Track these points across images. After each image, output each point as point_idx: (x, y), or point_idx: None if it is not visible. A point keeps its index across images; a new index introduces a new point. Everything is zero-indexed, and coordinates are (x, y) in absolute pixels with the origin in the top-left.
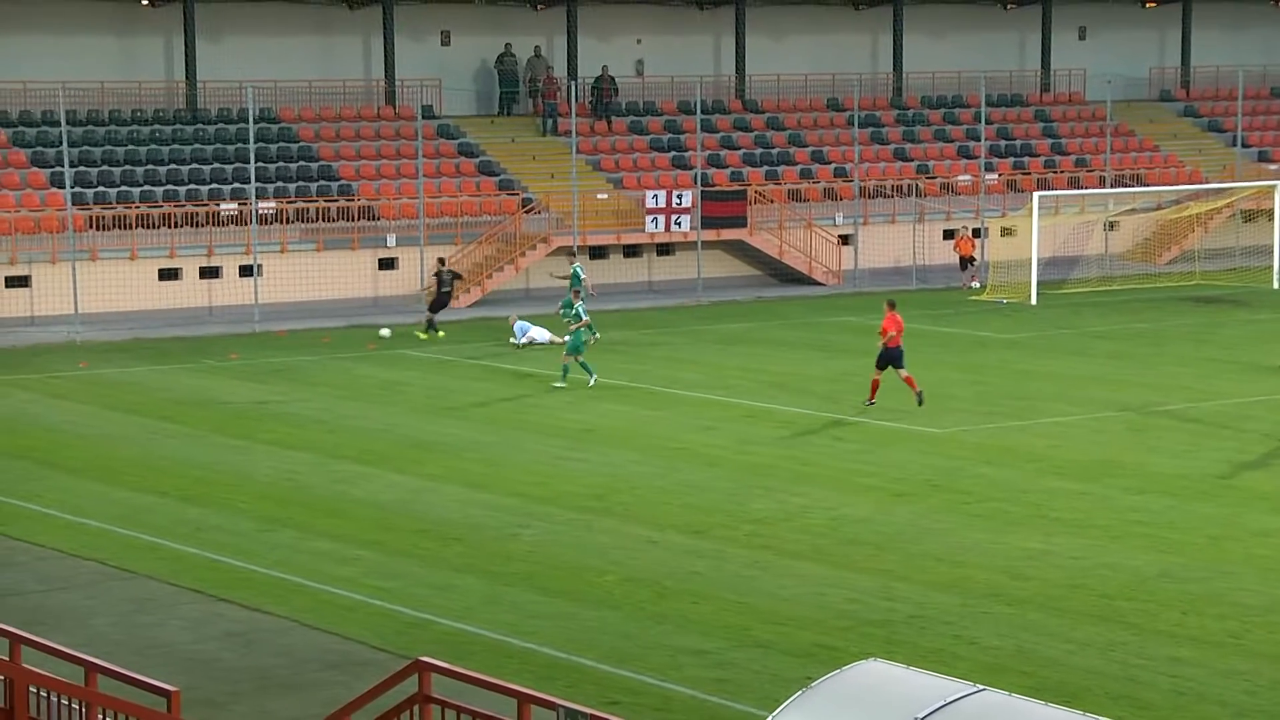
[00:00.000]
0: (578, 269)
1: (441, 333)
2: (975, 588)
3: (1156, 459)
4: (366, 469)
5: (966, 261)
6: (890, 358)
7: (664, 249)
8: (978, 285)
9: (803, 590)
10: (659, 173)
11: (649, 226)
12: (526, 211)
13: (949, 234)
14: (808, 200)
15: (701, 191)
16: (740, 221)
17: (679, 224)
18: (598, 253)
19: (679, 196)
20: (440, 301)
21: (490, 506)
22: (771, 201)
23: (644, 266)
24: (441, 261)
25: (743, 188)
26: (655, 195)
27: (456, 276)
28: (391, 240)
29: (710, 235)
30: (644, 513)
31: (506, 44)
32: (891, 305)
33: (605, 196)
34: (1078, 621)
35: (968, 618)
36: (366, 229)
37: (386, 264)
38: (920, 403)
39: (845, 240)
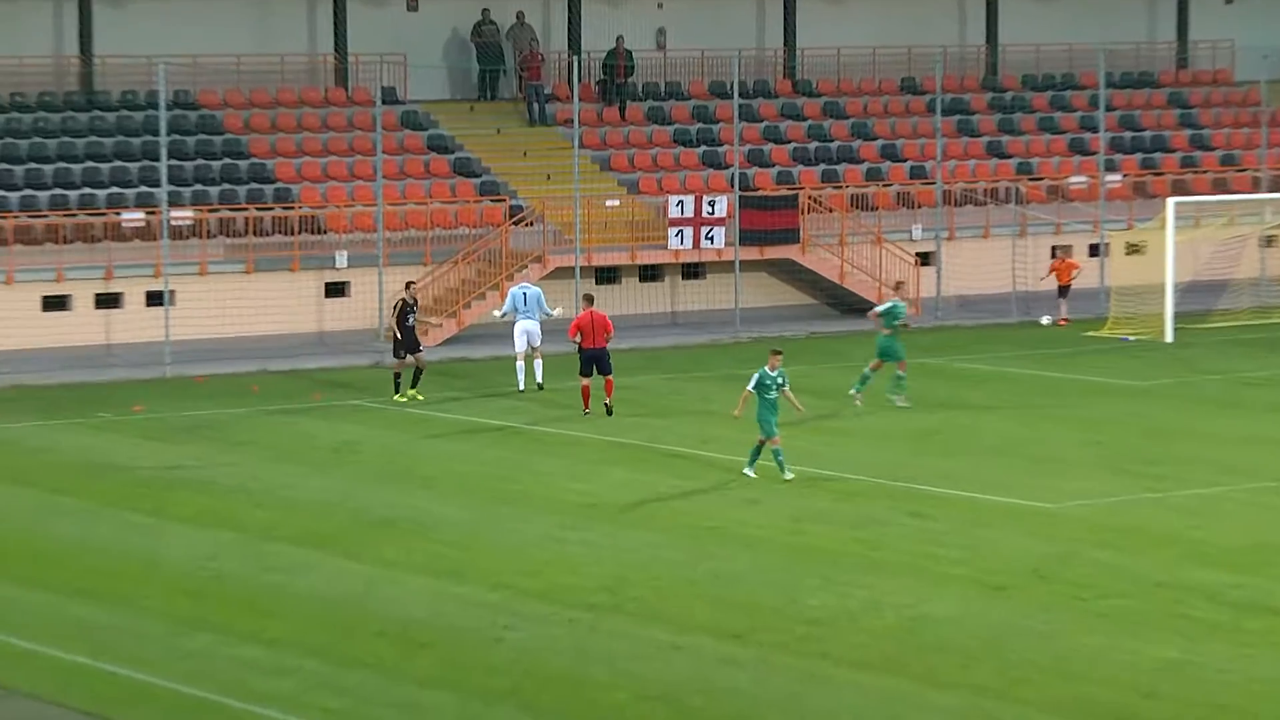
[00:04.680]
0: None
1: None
2: (1096, 709)
3: None
4: (308, 553)
5: (1065, 291)
6: (594, 360)
7: (692, 271)
8: (1047, 321)
9: (871, 711)
10: (685, 173)
11: (673, 242)
12: (515, 223)
13: (1060, 251)
14: (876, 209)
15: (740, 197)
16: (790, 236)
17: (711, 239)
18: (607, 275)
19: (711, 204)
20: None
21: (467, 602)
22: (830, 210)
23: (666, 293)
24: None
25: (793, 192)
26: (680, 202)
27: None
28: (342, 260)
29: (751, 253)
30: (665, 610)
31: (484, 10)
32: (589, 301)
33: (617, 203)
34: None
35: None
36: (310, 245)
37: (335, 290)
38: (609, 413)
39: (925, 260)
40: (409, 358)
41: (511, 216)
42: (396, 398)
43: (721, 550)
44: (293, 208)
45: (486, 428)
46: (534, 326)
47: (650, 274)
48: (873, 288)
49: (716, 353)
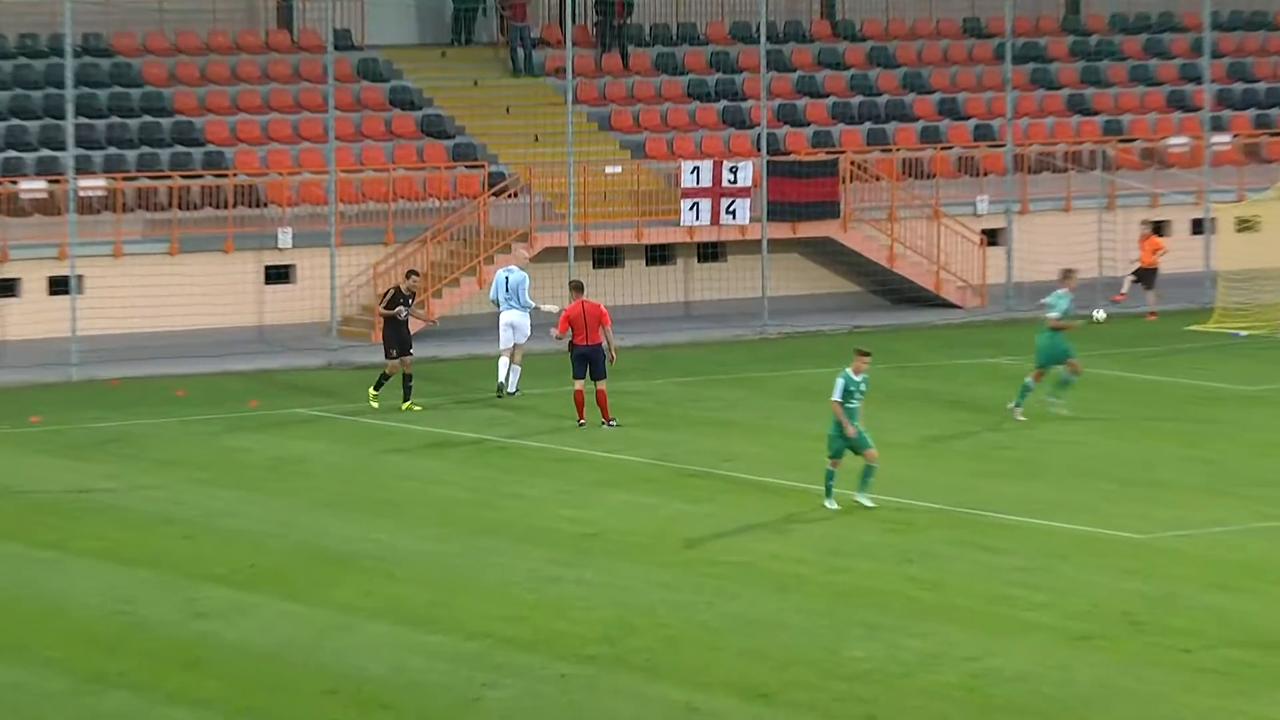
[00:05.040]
0: None
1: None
2: None
3: None
4: (244, 595)
5: (1148, 275)
6: (587, 360)
7: (710, 252)
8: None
9: None
10: (701, 134)
11: (686, 217)
12: (496, 194)
13: (1145, 226)
14: (933, 176)
15: (769, 163)
16: (829, 209)
17: (733, 213)
18: (608, 257)
19: (733, 171)
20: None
21: (438, 654)
22: (877, 179)
23: (678, 279)
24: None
25: (832, 157)
26: (696, 169)
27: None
28: (286, 239)
29: (782, 231)
30: (679, 664)
31: None
32: (578, 289)
33: (619, 170)
34: None
35: None
36: (247, 221)
37: (277, 275)
38: (613, 423)
39: (992, 238)
40: (394, 363)
41: (491, 186)
42: (371, 391)
43: (746, 591)
44: (226, 175)
45: (461, 441)
46: (520, 319)
47: (659, 256)
48: (928, 272)
49: (740, 351)
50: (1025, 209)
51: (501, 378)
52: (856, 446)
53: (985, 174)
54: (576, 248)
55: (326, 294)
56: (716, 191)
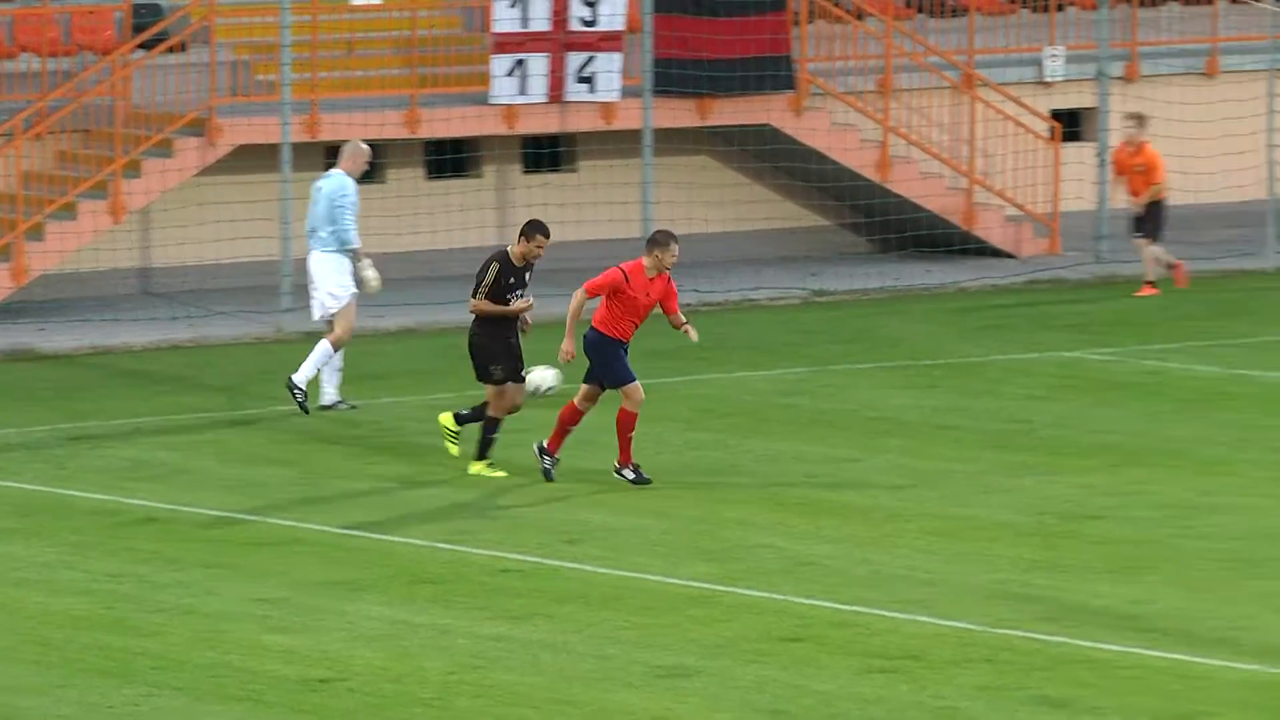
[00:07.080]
0: None
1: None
2: None
3: None
4: None
5: (1152, 217)
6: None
7: (547, 155)
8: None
9: None
10: None
11: (502, 89)
12: (146, 46)
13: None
14: (964, 12)
15: None
16: (770, 74)
17: (589, 82)
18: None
19: (590, 1)
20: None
21: None
22: (859, 16)
23: (485, 204)
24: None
25: None
26: None
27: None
28: None
29: (683, 114)
30: None
31: None
32: (663, 242)
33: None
34: None
35: None
36: None
37: None
38: (638, 478)
39: (1070, 126)
40: (508, 388)
41: (138, 33)
42: (478, 464)
43: None
44: None
45: (134, 514)
46: (326, 266)
47: (451, 163)
48: (952, 191)
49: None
50: (1134, 72)
51: (325, 382)
52: None
53: (1061, 7)
54: (298, 145)
55: None
56: (558, 40)
